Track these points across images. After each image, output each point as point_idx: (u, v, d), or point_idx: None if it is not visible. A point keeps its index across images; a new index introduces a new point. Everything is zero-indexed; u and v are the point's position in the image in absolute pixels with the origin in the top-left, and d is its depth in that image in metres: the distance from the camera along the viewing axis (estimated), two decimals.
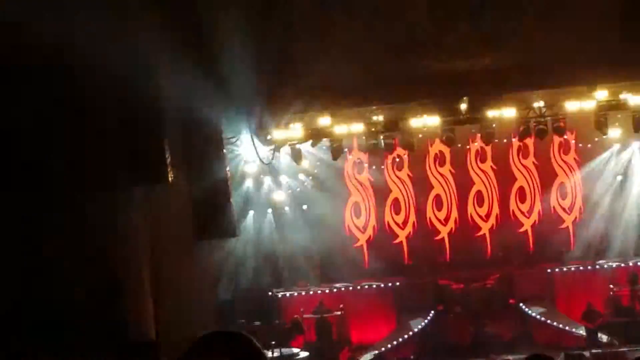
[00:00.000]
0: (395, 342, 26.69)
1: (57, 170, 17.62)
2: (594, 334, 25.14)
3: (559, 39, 22.99)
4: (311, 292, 28.52)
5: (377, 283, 28.72)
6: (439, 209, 30.11)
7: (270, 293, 28.18)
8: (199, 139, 22.29)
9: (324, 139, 27.08)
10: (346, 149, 28.21)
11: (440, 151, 29.63)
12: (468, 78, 24.16)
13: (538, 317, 26.76)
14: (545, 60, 23.43)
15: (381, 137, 26.83)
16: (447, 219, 30.08)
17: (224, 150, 23.75)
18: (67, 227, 18.17)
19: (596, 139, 28.52)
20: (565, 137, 27.99)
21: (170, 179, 19.63)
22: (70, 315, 18.57)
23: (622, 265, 27.91)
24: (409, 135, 26.80)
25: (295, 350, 26.16)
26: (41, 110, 17.05)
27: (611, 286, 27.33)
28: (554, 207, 29.71)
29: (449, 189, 30.05)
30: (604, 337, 25.15)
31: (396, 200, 30.22)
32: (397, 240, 30.02)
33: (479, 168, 29.93)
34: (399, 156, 29.55)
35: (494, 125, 26.87)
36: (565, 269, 28.26)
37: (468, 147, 29.63)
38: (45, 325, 18.39)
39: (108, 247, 19.18)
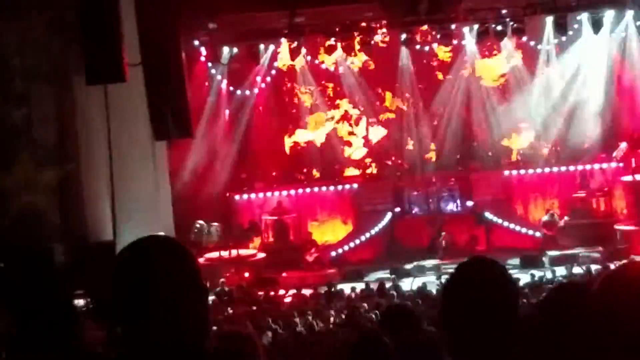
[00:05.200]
0: (352, 244, 26.79)
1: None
2: (551, 238, 25.45)
3: None
4: (269, 195, 28.40)
5: (334, 186, 28.63)
6: None
7: (228, 195, 28.12)
8: (157, 39, 21.92)
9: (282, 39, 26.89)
10: (304, 50, 27.78)
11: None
12: None
13: (495, 219, 26.87)
14: None
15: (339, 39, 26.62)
16: None
17: (182, 52, 23.44)
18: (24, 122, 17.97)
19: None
20: (524, 38, 27.65)
21: (127, 77, 19.38)
22: (28, 214, 18.42)
23: (576, 168, 28.01)
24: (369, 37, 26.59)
25: (253, 251, 26.25)
26: None
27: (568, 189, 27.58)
28: None
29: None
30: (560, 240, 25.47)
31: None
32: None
33: None
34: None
35: (452, 26, 26.67)
36: (522, 172, 28.29)
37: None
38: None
39: (66, 144, 18.98)
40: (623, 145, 26.82)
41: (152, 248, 2.93)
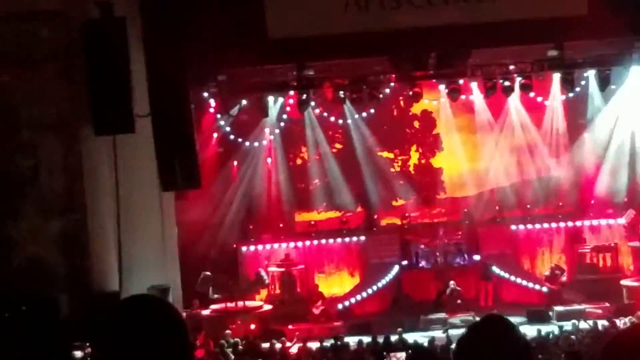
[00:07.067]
0: (359, 297, 26.72)
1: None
2: (557, 293, 25.43)
3: None
4: (276, 246, 28.40)
5: (342, 238, 28.67)
6: None
7: (235, 246, 28.14)
8: (166, 90, 22.04)
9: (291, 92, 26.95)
10: (313, 103, 27.79)
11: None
12: (436, 33, 23.94)
13: (502, 274, 26.81)
14: (513, 16, 23.19)
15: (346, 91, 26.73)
16: None
17: (191, 103, 23.53)
18: (31, 172, 18.04)
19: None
20: (531, 94, 27.69)
21: (135, 128, 19.46)
22: (34, 265, 18.41)
23: (583, 223, 28.05)
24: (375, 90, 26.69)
25: (259, 303, 26.21)
26: None
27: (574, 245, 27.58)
28: None
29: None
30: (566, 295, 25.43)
31: None
32: None
33: None
34: None
35: (460, 81, 26.80)
36: (530, 227, 28.28)
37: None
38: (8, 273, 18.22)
39: (73, 195, 19.00)
40: (631, 212, 26.97)
41: (134, 307, 2.99)
